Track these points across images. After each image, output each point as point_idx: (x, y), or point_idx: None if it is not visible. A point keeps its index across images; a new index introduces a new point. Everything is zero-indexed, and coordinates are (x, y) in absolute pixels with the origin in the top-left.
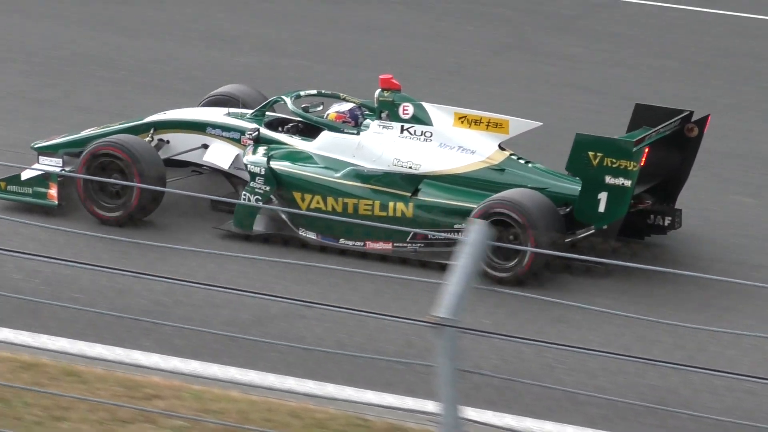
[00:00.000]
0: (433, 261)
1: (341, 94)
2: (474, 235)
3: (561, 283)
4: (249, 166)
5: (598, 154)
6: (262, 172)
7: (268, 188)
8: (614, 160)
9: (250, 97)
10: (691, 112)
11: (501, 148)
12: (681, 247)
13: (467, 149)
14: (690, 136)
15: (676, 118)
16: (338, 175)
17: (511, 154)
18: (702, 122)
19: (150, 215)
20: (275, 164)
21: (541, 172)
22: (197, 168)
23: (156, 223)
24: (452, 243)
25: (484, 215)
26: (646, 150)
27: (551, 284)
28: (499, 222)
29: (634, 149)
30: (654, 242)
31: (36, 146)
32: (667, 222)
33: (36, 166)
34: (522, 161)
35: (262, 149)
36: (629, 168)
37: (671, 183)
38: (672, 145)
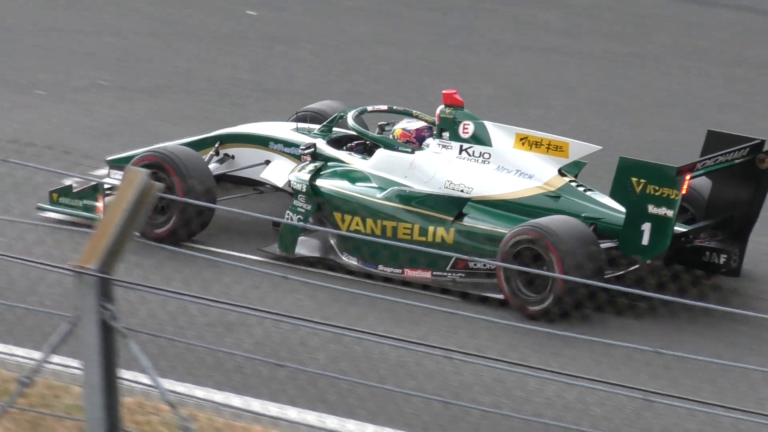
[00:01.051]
0: (473, 293)
1: (414, 111)
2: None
3: None
4: (292, 182)
5: (641, 180)
6: (304, 190)
7: (309, 207)
8: (657, 188)
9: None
10: (763, 141)
11: (561, 173)
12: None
13: (525, 173)
14: (761, 168)
15: (742, 146)
16: (380, 195)
17: (570, 181)
18: None
19: (200, 233)
20: (319, 181)
21: (598, 201)
22: (259, 186)
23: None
24: (494, 274)
25: (510, 242)
26: (687, 177)
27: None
28: (528, 251)
29: (677, 176)
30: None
31: (109, 159)
32: (722, 260)
33: (106, 179)
34: (582, 188)
35: (311, 166)
36: (672, 196)
37: (740, 219)
38: (742, 178)
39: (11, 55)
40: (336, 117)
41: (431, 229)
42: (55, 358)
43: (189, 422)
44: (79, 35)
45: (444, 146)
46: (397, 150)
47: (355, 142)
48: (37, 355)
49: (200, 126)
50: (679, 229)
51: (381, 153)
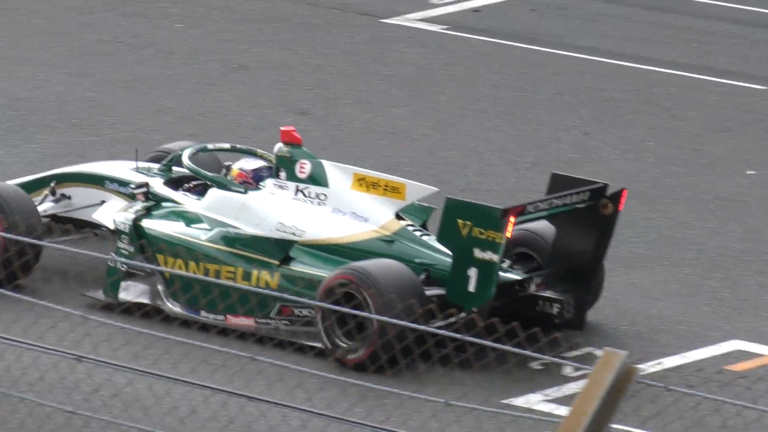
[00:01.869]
0: (295, 341)
1: (258, 150)
2: (612, 367)
3: None
4: (116, 222)
5: (467, 222)
6: (127, 230)
7: (132, 249)
8: (482, 230)
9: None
10: (606, 185)
11: (399, 217)
12: None
13: (360, 216)
14: (605, 214)
15: (582, 189)
16: (205, 237)
17: (408, 225)
18: (616, 197)
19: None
20: (145, 222)
21: (435, 247)
22: (97, 228)
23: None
24: (314, 323)
25: (329, 287)
26: (512, 220)
27: None
28: (345, 296)
29: (502, 218)
30: None
31: None
32: (555, 310)
33: None
34: (419, 233)
35: (138, 206)
36: (496, 240)
37: (581, 268)
38: (585, 224)
39: None
40: (174, 156)
41: (255, 273)
42: None
43: None
44: None
45: (280, 186)
46: (229, 190)
47: (194, 183)
48: None
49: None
50: (511, 276)
51: (213, 193)
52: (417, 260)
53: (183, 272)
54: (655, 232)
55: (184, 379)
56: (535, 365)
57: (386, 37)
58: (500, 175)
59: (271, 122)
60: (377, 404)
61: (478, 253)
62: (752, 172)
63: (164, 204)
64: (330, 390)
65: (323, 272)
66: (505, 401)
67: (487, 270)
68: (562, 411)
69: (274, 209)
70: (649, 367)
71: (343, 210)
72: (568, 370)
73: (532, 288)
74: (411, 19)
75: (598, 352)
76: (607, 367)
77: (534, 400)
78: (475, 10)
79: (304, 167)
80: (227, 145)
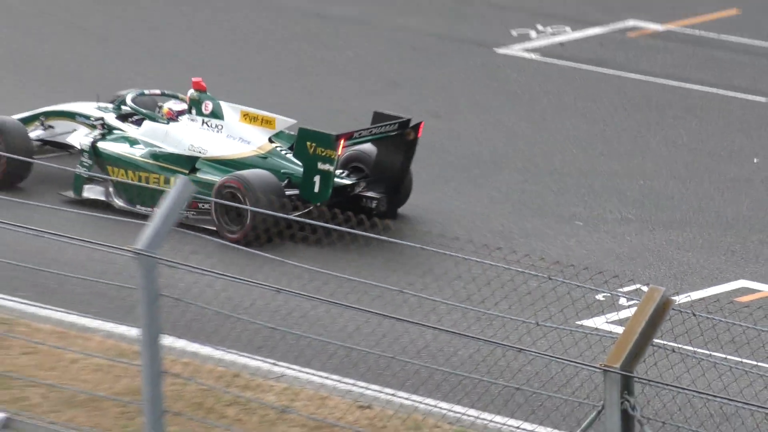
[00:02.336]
0: (198, 225)
1: (180, 95)
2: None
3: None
4: (80, 144)
5: (313, 144)
6: (87, 149)
7: (90, 162)
8: (323, 149)
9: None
10: (409, 119)
11: (270, 141)
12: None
13: (245, 140)
14: (408, 139)
15: (392, 122)
16: (139, 154)
17: (276, 146)
18: (416, 127)
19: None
20: (100, 144)
21: (294, 161)
22: (71, 149)
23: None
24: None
25: (219, 187)
26: (342, 142)
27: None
28: (232, 195)
29: (336, 141)
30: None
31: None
32: (374, 204)
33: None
34: (283, 152)
35: (96, 132)
36: (331, 156)
37: (393, 176)
38: (396, 146)
39: (554, 193)
40: (122, 99)
41: (172, 179)
42: None
43: None
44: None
45: (191, 120)
46: (158, 122)
47: (135, 117)
48: None
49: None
50: (344, 181)
51: (146, 124)
52: (282, 171)
53: (124, 179)
54: (686, 204)
55: (351, 305)
56: (600, 297)
57: (496, 63)
58: None
59: (405, 109)
60: (488, 324)
61: (320, 165)
62: (757, 160)
63: (115, 131)
64: (455, 314)
65: (216, 178)
66: (578, 323)
67: (326, 177)
68: (619, 330)
69: (186, 135)
70: (680, 299)
71: (234, 136)
72: (622, 301)
73: (358, 189)
74: (516, 50)
75: (645, 288)
76: (651, 299)
77: (599, 322)
78: (561, 44)
79: (207, 106)
80: (158, 91)
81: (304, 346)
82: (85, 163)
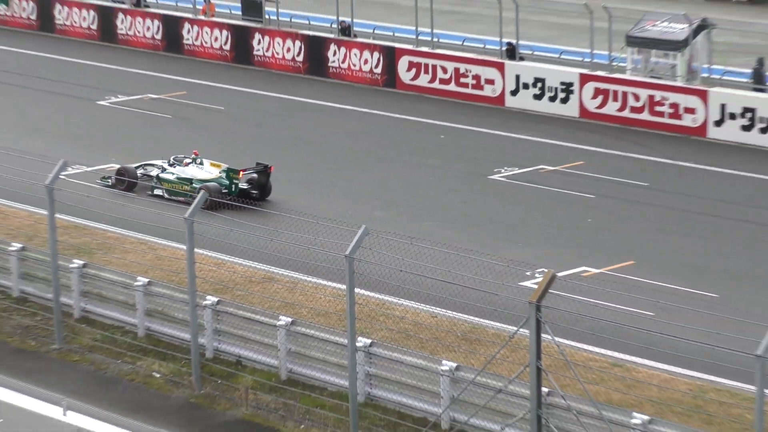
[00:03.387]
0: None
1: (190, 156)
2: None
3: None
4: (156, 174)
5: (231, 173)
6: (155, 177)
7: (156, 183)
8: (234, 174)
9: None
10: (268, 165)
11: (219, 173)
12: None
13: (209, 172)
14: (268, 171)
15: (262, 165)
16: (173, 177)
17: (220, 175)
18: (268, 167)
19: None
20: (161, 174)
21: (224, 179)
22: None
23: None
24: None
25: (200, 188)
26: (241, 173)
27: None
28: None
29: (238, 172)
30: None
31: None
32: (255, 195)
33: None
34: (222, 176)
35: (158, 170)
36: (238, 177)
37: (263, 185)
38: (263, 174)
39: None
40: (170, 158)
41: (186, 187)
42: None
43: None
44: None
45: (192, 165)
46: (179, 166)
47: (173, 163)
48: None
49: None
50: (243, 186)
51: (177, 167)
52: (221, 183)
53: (168, 187)
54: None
55: None
56: (528, 285)
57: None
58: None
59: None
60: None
61: (234, 180)
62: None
63: (166, 170)
64: None
65: (197, 185)
66: (519, 283)
67: (236, 184)
68: (534, 286)
69: (189, 171)
70: (559, 274)
71: (206, 170)
72: (537, 277)
73: (246, 187)
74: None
75: (545, 270)
76: (548, 274)
77: (529, 284)
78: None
79: (197, 161)
80: (182, 155)
81: None
82: (156, 186)
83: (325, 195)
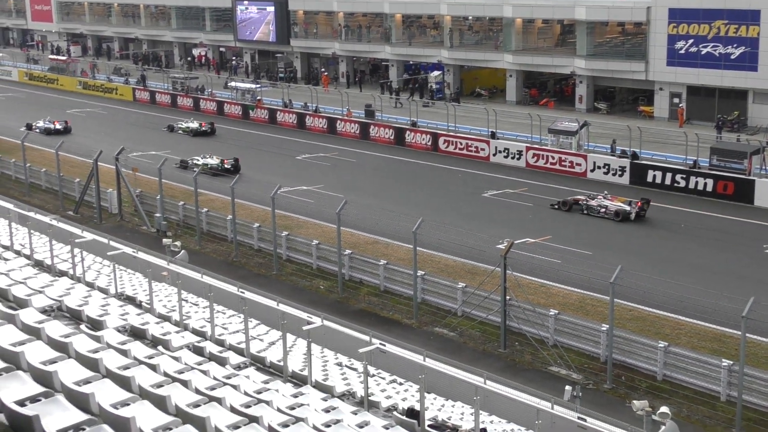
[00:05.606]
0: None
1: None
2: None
3: None
4: (194, 164)
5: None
6: (192, 163)
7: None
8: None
9: None
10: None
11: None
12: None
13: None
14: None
15: (231, 159)
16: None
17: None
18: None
19: None
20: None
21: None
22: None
23: None
24: None
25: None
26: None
27: None
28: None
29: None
30: None
31: None
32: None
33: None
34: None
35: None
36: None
37: (236, 166)
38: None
39: None
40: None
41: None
42: None
43: None
44: None
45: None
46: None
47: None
48: None
49: None
50: (227, 166)
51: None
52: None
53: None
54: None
55: None
56: (500, 247)
57: None
58: None
59: None
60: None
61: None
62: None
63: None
64: None
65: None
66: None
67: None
68: (501, 246)
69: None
70: (516, 242)
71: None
72: (505, 241)
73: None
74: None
75: (508, 239)
76: (510, 242)
77: (501, 246)
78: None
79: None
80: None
81: None
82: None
83: None
